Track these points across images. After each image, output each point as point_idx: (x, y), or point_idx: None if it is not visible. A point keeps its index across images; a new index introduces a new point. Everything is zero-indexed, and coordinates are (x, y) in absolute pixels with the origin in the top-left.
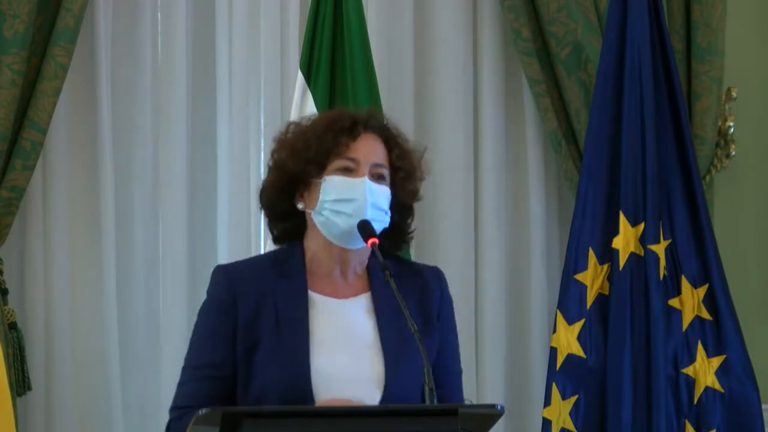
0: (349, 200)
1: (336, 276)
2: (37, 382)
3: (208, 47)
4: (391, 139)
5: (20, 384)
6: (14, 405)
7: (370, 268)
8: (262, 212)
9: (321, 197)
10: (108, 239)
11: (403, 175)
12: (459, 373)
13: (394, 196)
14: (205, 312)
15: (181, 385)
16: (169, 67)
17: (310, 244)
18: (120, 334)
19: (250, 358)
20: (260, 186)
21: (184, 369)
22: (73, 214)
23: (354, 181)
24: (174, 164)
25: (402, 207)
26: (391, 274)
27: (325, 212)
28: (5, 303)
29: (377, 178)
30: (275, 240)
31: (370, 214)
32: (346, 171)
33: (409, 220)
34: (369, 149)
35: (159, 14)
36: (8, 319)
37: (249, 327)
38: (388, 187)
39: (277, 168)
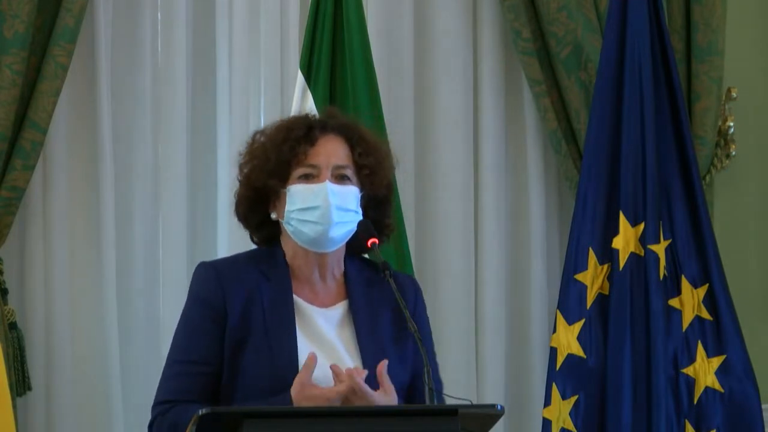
0: (314, 208)
1: (316, 280)
2: (37, 382)
3: (208, 47)
4: (352, 137)
5: (20, 384)
6: (14, 405)
7: (346, 274)
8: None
9: (287, 207)
10: (108, 239)
11: (368, 171)
12: (439, 381)
13: (365, 192)
14: (190, 309)
15: (165, 380)
16: (169, 67)
17: (288, 249)
18: (120, 334)
19: (237, 356)
20: (233, 199)
21: (168, 365)
22: (73, 214)
23: (315, 188)
24: (174, 164)
25: (376, 201)
26: (391, 274)
27: (292, 222)
28: (5, 303)
29: (340, 179)
30: (257, 245)
31: (336, 218)
32: (308, 178)
33: (387, 214)
34: (328, 152)
35: (159, 14)
36: (8, 319)
37: (237, 326)
38: (354, 186)
39: (243, 182)
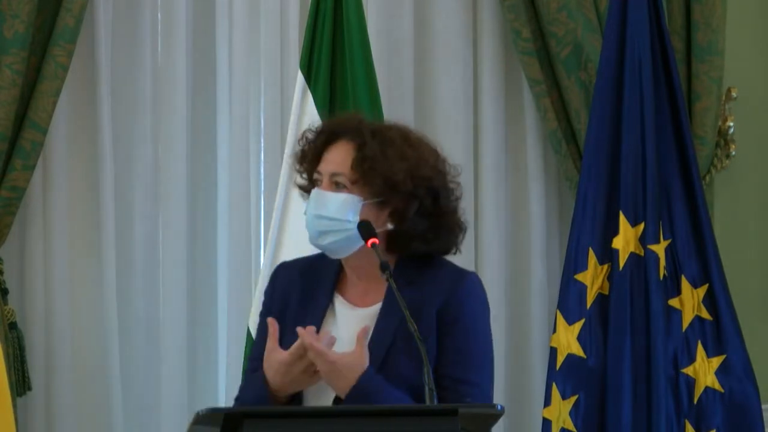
0: (305, 213)
1: (356, 280)
2: (37, 382)
3: (208, 47)
4: (360, 142)
5: (20, 384)
6: (14, 405)
7: (391, 274)
8: None
9: None
10: (108, 239)
11: (357, 176)
12: (476, 384)
13: (381, 199)
14: (261, 311)
15: (243, 373)
16: (169, 67)
17: None
18: (120, 334)
19: None
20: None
21: (246, 360)
22: (73, 214)
23: (310, 195)
24: (174, 164)
25: (396, 207)
26: (391, 274)
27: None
28: (5, 303)
29: (336, 186)
30: None
31: (315, 226)
32: (316, 184)
33: (407, 219)
34: (329, 160)
35: (159, 14)
36: (8, 319)
37: (281, 325)
38: (347, 194)
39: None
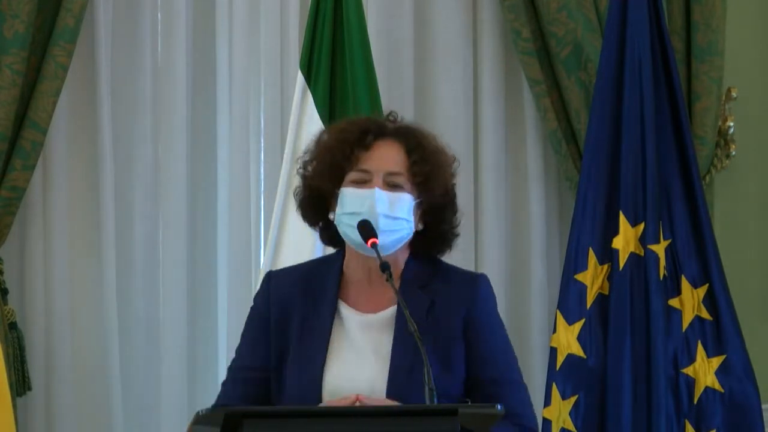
0: (359, 213)
1: (365, 284)
2: (37, 382)
3: (208, 47)
4: (410, 143)
5: (20, 384)
6: (14, 405)
7: (402, 278)
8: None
9: (338, 209)
10: (108, 239)
11: (421, 179)
12: (513, 381)
13: (423, 199)
14: (249, 317)
15: (224, 384)
16: (169, 67)
17: (346, 252)
18: (120, 334)
19: (281, 367)
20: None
21: (228, 369)
22: (73, 214)
23: (363, 193)
24: (174, 164)
25: (431, 209)
26: (391, 275)
27: (341, 225)
28: (5, 303)
29: (392, 186)
30: (325, 244)
31: (382, 225)
32: (360, 183)
33: (444, 220)
34: (381, 158)
35: (159, 14)
36: (8, 319)
37: (278, 334)
38: (406, 194)
39: (304, 184)
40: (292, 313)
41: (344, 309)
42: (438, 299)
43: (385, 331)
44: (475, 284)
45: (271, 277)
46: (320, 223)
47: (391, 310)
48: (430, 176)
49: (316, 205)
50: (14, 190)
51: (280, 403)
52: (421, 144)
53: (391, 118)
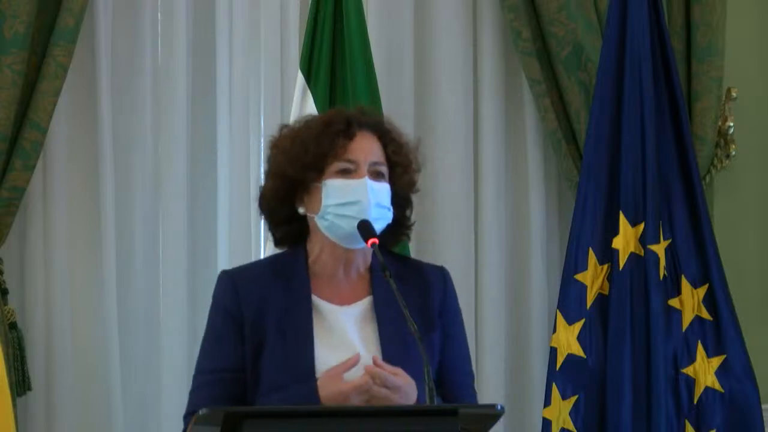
0: (353, 203)
1: (339, 277)
2: (37, 382)
3: (208, 47)
4: (385, 135)
5: (20, 384)
6: (14, 405)
7: (372, 268)
8: (262, 217)
9: (323, 201)
10: (108, 239)
11: (401, 169)
12: (469, 373)
13: (392, 190)
14: (212, 318)
15: (193, 391)
16: (169, 67)
17: (314, 247)
18: (120, 334)
19: (257, 361)
20: (259, 192)
21: (195, 376)
22: (73, 214)
23: (355, 183)
24: (174, 164)
25: (400, 200)
26: (391, 274)
27: (329, 216)
28: (5, 303)
29: (376, 176)
30: (277, 243)
31: (374, 214)
32: (346, 173)
33: (408, 212)
34: (366, 148)
35: (159, 14)
36: (8, 319)
37: (254, 331)
38: (387, 184)
39: (275, 174)
40: (267, 310)
41: (319, 302)
42: (415, 291)
43: (367, 321)
44: (444, 277)
45: (232, 276)
46: (281, 219)
47: (368, 300)
48: (407, 166)
49: (284, 198)
50: (14, 190)
51: (257, 399)
52: (393, 137)
53: (362, 110)
